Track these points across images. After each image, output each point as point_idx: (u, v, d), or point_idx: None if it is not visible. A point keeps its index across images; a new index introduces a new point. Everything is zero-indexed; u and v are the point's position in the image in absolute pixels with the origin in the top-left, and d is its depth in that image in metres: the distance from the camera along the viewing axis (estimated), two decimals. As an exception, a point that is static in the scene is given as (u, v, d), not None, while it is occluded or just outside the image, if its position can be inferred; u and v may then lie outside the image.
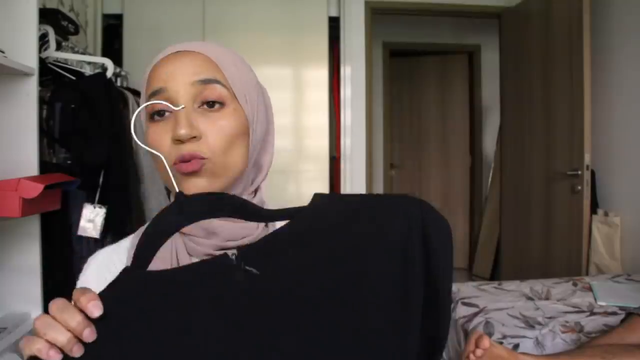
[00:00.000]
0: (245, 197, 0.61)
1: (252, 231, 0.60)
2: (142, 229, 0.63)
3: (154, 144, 0.57)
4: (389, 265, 0.49)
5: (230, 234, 0.58)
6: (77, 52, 1.91)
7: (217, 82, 0.57)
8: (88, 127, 1.58)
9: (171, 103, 0.56)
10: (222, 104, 0.58)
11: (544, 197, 2.91)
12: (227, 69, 0.59)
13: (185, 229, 0.57)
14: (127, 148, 1.72)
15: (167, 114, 0.58)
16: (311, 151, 2.93)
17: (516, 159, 3.24)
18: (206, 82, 0.57)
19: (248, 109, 0.60)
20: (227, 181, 0.59)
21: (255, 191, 0.66)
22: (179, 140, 0.55)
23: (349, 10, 3.03)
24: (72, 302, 0.41)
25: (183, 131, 0.54)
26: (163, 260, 0.58)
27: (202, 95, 0.57)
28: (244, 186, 0.63)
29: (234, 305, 0.45)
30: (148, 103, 0.57)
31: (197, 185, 0.57)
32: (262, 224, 0.61)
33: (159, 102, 0.56)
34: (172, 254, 0.59)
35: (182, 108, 0.56)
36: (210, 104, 0.57)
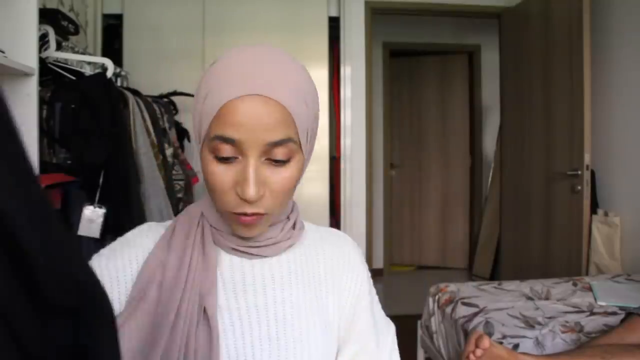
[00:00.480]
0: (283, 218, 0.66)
1: (276, 233, 0.65)
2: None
3: (216, 184, 0.57)
4: None
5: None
6: (77, 52, 1.91)
7: (290, 140, 0.55)
8: (88, 127, 1.58)
9: (239, 154, 0.55)
10: (289, 159, 0.57)
11: (544, 197, 2.91)
12: (299, 118, 0.56)
13: (214, 223, 0.63)
14: (127, 148, 1.72)
15: (235, 160, 0.56)
16: (311, 151, 2.93)
17: (516, 159, 3.24)
18: (280, 143, 0.55)
19: (308, 147, 0.60)
20: (285, 212, 0.65)
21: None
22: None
23: (349, 10, 3.03)
24: None
25: (252, 195, 0.54)
26: (187, 239, 0.62)
27: (272, 153, 0.55)
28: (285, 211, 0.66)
29: None
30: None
31: (252, 233, 0.60)
32: (285, 229, 0.66)
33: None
34: (197, 238, 0.63)
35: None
36: (278, 160, 0.56)
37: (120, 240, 0.65)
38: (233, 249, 0.63)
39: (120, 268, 0.61)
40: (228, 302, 0.61)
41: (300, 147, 0.57)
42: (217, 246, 0.63)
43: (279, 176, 0.56)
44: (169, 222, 0.67)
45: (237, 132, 0.53)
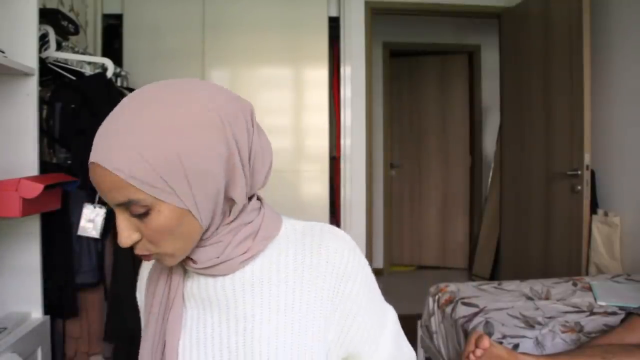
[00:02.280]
0: (223, 229, 0.63)
1: (219, 252, 0.64)
2: None
3: None
4: None
5: (200, 257, 0.64)
6: (77, 52, 1.91)
7: (131, 202, 0.56)
8: (88, 127, 1.58)
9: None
10: (147, 212, 0.56)
11: (544, 197, 2.91)
12: (137, 177, 0.54)
13: None
14: (127, 148, 1.72)
15: None
16: (311, 151, 2.93)
17: (516, 159, 3.24)
18: (124, 204, 0.56)
19: (175, 198, 0.56)
20: (192, 244, 0.61)
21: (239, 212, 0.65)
22: None
23: (349, 10, 3.03)
24: None
25: (121, 243, 0.58)
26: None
27: (131, 209, 0.57)
28: (217, 224, 0.62)
29: None
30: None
31: (167, 264, 0.62)
32: (233, 244, 0.64)
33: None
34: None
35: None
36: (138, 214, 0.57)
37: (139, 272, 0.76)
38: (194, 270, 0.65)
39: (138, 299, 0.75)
40: (198, 317, 0.65)
41: (160, 198, 0.55)
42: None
43: (147, 226, 0.57)
44: None
45: (100, 193, 0.58)
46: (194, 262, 0.63)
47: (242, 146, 0.60)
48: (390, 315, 0.73)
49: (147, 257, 0.61)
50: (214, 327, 0.64)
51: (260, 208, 0.67)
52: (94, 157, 0.56)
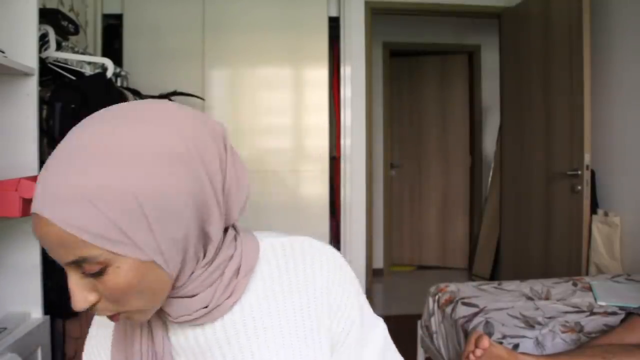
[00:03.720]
0: (200, 272, 0.55)
1: (199, 305, 0.57)
2: None
3: None
4: None
5: (178, 310, 0.57)
6: (77, 52, 1.91)
7: (83, 260, 0.47)
8: (88, 127, 1.58)
9: None
10: (104, 270, 0.48)
11: (544, 197, 2.91)
12: (90, 230, 0.46)
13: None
14: (127, 148, 1.72)
15: None
16: (311, 151, 2.93)
17: (516, 159, 3.24)
18: (75, 263, 0.48)
19: (135, 250, 0.48)
20: (163, 295, 0.53)
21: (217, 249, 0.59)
22: None
23: (349, 10, 3.03)
24: None
25: (75, 307, 0.49)
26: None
27: (84, 268, 0.48)
28: (192, 268, 0.55)
29: None
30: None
31: (137, 321, 0.54)
32: (218, 293, 0.57)
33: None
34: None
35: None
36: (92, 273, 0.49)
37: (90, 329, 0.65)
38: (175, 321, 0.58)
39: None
40: None
41: (117, 252, 0.47)
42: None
43: (105, 285, 0.49)
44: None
45: (48, 251, 0.49)
46: (171, 315, 0.55)
47: (214, 178, 0.53)
48: (378, 330, 0.66)
49: (115, 318, 0.52)
50: None
51: (236, 236, 0.60)
52: (35, 206, 0.46)
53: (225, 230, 0.58)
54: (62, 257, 0.48)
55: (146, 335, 0.58)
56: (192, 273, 0.54)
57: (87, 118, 0.51)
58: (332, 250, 0.63)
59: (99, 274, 0.48)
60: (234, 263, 0.57)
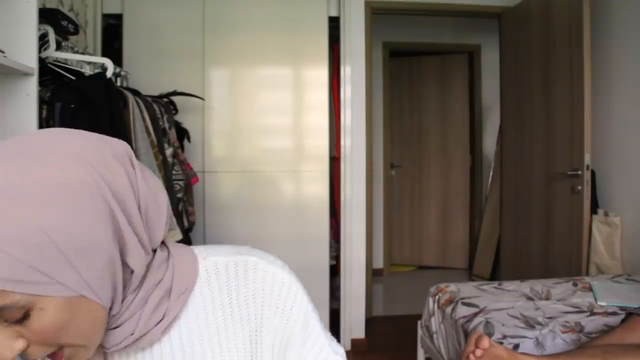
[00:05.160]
0: (131, 298, 0.52)
1: (131, 329, 0.54)
2: None
3: None
4: None
5: (108, 341, 0.54)
6: (77, 52, 1.91)
7: (5, 308, 0.43)
8: (88, 127, 1.58)
9: None
10: (27, 314, 0.44)
11: (544, 197, 2.91)
12: (3, 277, 0.41)
13: None
14: (127, 148, 1.71)
15: None
16: (311, 151, 2.93)
17: (516, 159, 3.24)
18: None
19: (59, 287, 0.44)
20: (102, 327, 0.50)
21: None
22: None
23: (349, 10, 3.03)
24: None
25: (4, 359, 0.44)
26: None
27: (1, 317, 0.44)
28: (124, 293, 0.52)
29: None
30: None
31: (82, 358, 0.50)
32: (143, 318, 0.54)
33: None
34: None
35: None
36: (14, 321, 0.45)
37: None
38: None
39: None
40: None
41: (39, 293, 0.43)
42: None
43: (30, 330, 0.45)
44: None
45: None
46: (103, 345, 0.52)
47: (126, 202, 0.49)
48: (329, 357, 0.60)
49: (57, 356, 0.47)
50: None
51: (168, 258, 0.57)
52: None
53: (154, 250, 0.55)
54: None
55: None
56: (123, 300, 0.51)
57: None
58: (280, 275, 0.58)
59: (22, 319, 0.44)
60: (163, 286, 0.54)
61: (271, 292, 0.57)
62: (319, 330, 0.60)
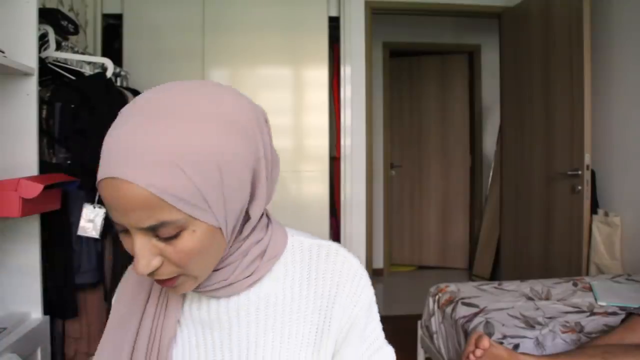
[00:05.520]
0: (234, 248, 0.57)
1: (227, 275, 0.59)
2: None
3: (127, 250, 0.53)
4: None
5: (206, 281, 0.58)
6: (77, 52, 1.91)
7: (163, 224, 0.47)
8: (88, 127, 1.58)
9: (128, 229, 0.50)
10: (178, 234, 0.49)
11: (544, 197, 2.91)
12: (172, 193, 0.46)
13: None
14: (127, 148, 1.71)
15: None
16: (311, 151, 2.93)
17: (516, 159, 3.24)
18: (152, 228, 0.48)
19: (211, 216, 0.49)
20: (215, 264, 0.55)
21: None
22: None
23: (349, 10, 3.03)
24: None
25: (139, 271, 0.49)
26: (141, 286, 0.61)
27: (155, 231, 0.49)
28: (231, 241, 0.56)
29: None
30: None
31: (176, 292, 0.55)
32: (241, 267, 0.59)
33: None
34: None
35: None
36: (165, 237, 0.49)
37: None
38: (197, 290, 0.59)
39: None
40: (196, 338, 0.60)
41: (196, 216, 0.48)
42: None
43: (174, 249, 0.49)
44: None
45: (116, 217, 0.49)
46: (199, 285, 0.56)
47: (266, 155, 0.55)
48: (384, 354, 0.64)
49: (170, 282, 0.52)
50: (215, 350, 0.59)
51: (268, 224, 0.62)
52: (115, 171, 0.46)
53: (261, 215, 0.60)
54: (138, 221, 0.47)
55: (160, 295, 0.59)
56: (230, 248, 0.56)
57: (152, 93, 0.50)
58: (356, 260, 0.63)
59: (172, 237, 0.49)
60: (260, 246, 0.59)
61: (347, 275, 0.61)
62: (378, 319, 0.65)
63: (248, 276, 0.58)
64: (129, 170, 0.45)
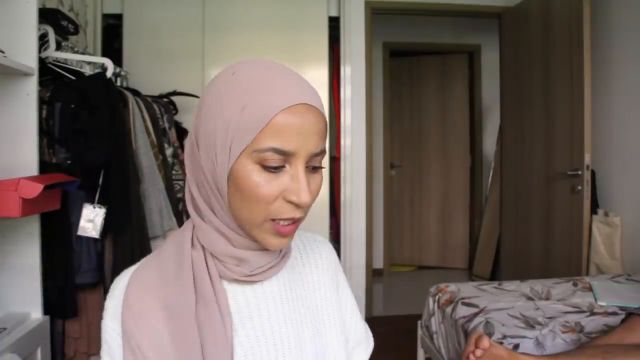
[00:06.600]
0: None
1: (275, 260, 0.64)
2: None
3: (262, 193, 0.54)
4: None
5: (258, 263, 0.62)
6: (77, 52, 1.91)
7: (323, 152, 0.58)
8: (88, 127, 1.58)
9: (287, 162, 0.55)
10: (319, 168, 0.59)
11: (544, 197, 2.91)
12: (327, 126, 0.59)
13: (219, 255, 0.61)
14: (126, 148, 1.72)
15: (282, 168, 0.55)
16: (311, 151, 2.93)
17: (516, 159, 3.24)
18: (320, 153, 0.57)
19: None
20: None
21: None
22: (293, 203, 0.55)
23: (349, 10, 3.03)
24: None
25: (308, 200, 0.55)
26: (195, 277, 0.60)
27: (312, 161, 0.56)
28: None
29: None
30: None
31: (284, 244, 0.59)
32: (282, 253, 0.66)
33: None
34: (203, 273, 0.60)
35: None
36: (316, 167, 0.58)
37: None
38: (235, 280, 0.62)
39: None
40: (240, 330, 0.62)
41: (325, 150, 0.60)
42: (222, 278, 0.62)
43: (315, 182, 0.58)
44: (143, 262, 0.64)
45: (292, 143, 0.53)
46: (245, 270, 0.61)
47: None
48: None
49: (292, 229, 0.58)
50: (271, 321, 0.63)
51: None
52: (308, 98, 0.54)
53: None
54: (315, 145, 0.55)
55: (211, 287, 0.60)
56: None
57: (253, 61, 0.59)
58: (332, 247, 0.78)
59: (317, 169, 0.58)
60: None
61: (333, 254, 0.76)
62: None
63: (282, 258, 0.65)
64: (315, 100, 0.55)
